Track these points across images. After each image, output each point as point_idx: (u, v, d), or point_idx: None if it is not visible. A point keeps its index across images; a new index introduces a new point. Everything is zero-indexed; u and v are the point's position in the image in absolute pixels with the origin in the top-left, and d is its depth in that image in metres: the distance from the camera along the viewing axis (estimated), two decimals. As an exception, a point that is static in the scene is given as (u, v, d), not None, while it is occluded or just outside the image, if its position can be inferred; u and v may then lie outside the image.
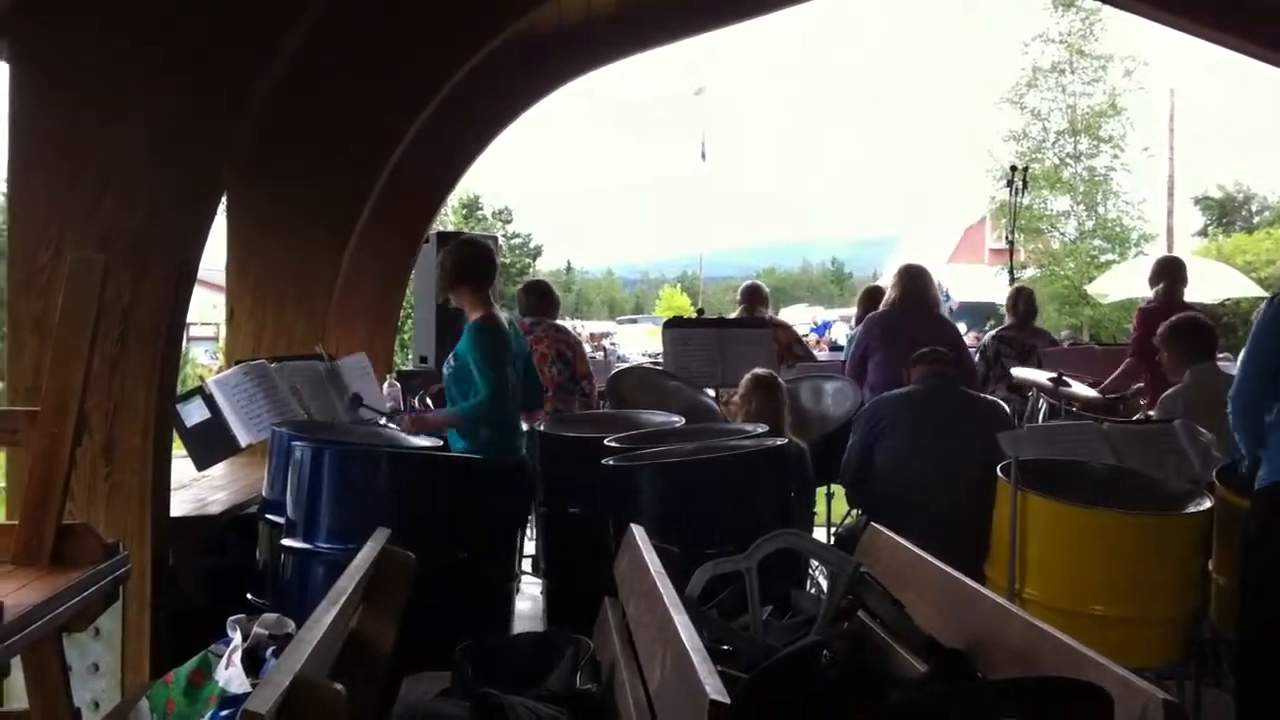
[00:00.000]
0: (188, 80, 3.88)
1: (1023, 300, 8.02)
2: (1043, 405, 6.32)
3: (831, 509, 6.76)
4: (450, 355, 4.88)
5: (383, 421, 5.13)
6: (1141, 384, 6.79)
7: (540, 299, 7.24)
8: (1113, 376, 6.81)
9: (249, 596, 4.29)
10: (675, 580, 2.65)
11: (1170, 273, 7.17)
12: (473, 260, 4.91)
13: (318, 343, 5.99)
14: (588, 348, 9.23)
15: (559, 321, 7.58)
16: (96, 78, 3.84)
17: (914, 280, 7.02)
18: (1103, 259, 28.12)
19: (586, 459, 4.77)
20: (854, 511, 6.22)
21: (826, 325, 23.31)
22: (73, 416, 2.77)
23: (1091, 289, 22.73)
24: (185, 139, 3.90)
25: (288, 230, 6.33)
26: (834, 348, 16.28)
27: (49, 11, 3.84)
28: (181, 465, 4.83)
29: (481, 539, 4.28)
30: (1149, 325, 6.38)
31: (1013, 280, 10.98)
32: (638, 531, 3.21)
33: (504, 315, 4.97)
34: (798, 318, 26.24)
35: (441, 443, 4.81)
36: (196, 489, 5.10)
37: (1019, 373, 6.69)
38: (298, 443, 4.23)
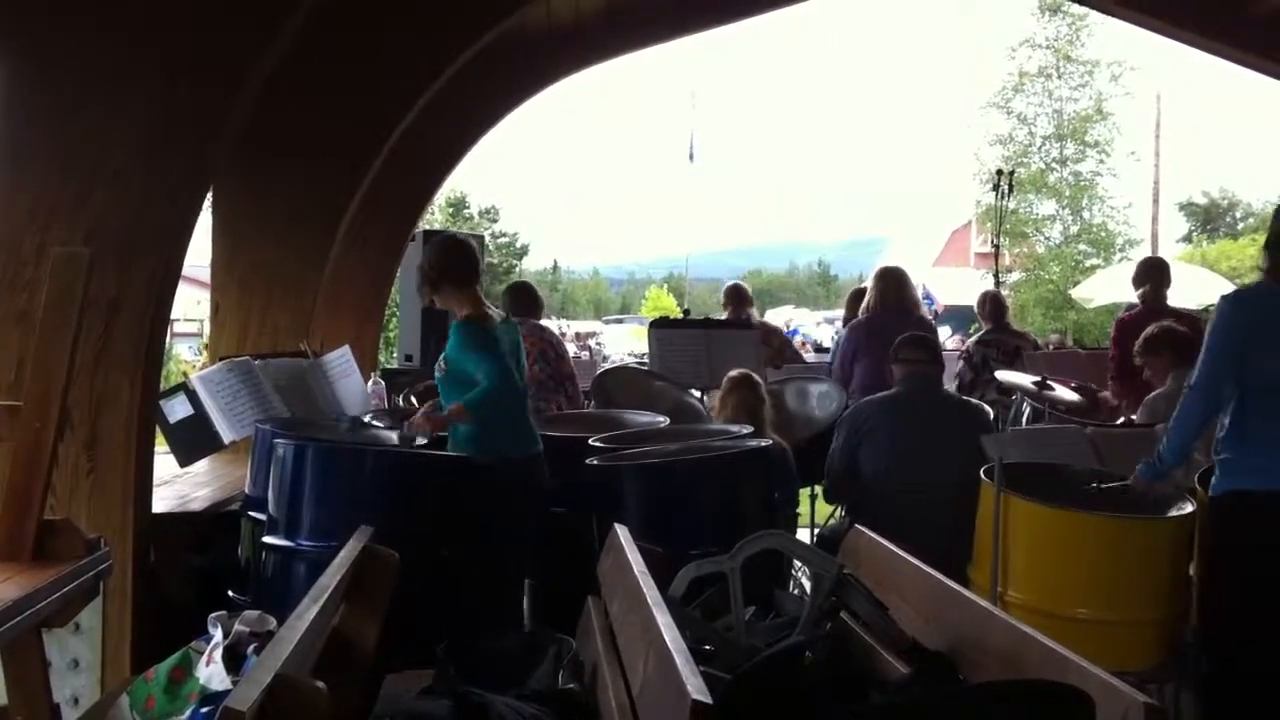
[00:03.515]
0: (177, 75, 3.87)
1: (989, 302, 8.12)
2: (1026, 408, 6.32)
3: (815, 510, 6.77)
4: (440, 359, 4.77)
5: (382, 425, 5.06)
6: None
7: (524, 300, 7.26)
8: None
9: (230, 593, 4.27)
10: (659, 580, 2.65)
11: (1155, 274, 7.12)
12: (450, 258, 4.77)
13: (303, 339, 5.97)
14: (573, 347, 9.25)
15: (543, 322, 7.64)
16: (85, 72, 3.82)
17: (892, 283, 7.13)
18: (1087, 264, 28.22)
19: (571, 458, 4.76)
20: (838, 512, 6.23)
21: (794, 332, 23.14)
22: (55, 412, 2.76)
23: (1076, 293, 22.79)
24: (174, 134, 3.88)
25: (275, 226, 6.32)
26: (818, 349, 16.25)
27: (38, 6, 3.83)
28: (164, 461, 4.81)
29: (464, 537, 4.28)
30: (1127, 341, 6.28)
31: (998, 284, 11.00)
32: (621, 531, 3.20)
33: (496, 313, 4.87)
34: (780, 321, 26.18)
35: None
36: (179, 485, 5.08)
37: (1004, 376, 6.69)
38: (280, 440, 4.22)
